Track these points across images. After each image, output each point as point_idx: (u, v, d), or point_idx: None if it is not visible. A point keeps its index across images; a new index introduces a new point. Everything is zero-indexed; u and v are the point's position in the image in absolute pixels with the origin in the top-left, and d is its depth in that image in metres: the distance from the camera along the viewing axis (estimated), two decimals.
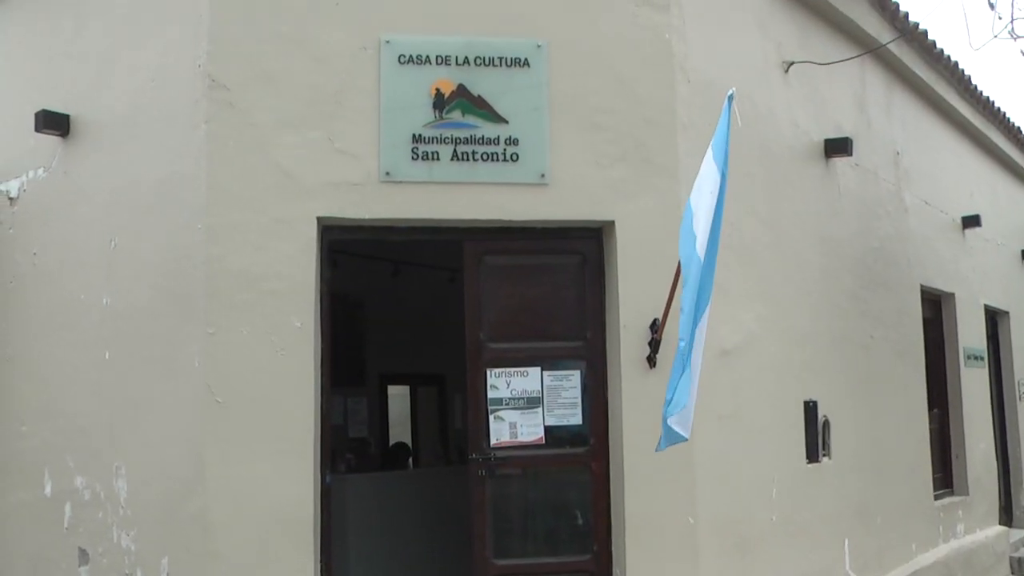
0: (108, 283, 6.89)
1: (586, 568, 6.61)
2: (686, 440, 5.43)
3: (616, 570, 6.56)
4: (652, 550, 6.46)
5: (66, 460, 7.08)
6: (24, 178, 7.71)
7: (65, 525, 7.03)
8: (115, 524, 6.65)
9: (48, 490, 7.20)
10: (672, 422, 5.29)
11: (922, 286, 10.58)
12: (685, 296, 5.35)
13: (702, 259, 5.34)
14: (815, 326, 8.11)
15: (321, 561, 6.22)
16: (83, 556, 6.88)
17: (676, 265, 6.20)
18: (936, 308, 11.49)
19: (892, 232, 9.88)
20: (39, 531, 7.27)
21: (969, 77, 11.47)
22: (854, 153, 8.79)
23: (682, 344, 5.31)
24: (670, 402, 5.28)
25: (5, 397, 7.74)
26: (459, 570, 7.86)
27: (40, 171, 7.56)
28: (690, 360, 5.30)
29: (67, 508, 7.03)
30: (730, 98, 5.67)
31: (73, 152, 7.28)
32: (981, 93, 12.02)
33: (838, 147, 8.64)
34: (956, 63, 11.05)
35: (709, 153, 5.56)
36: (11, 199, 7.82)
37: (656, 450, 5.57)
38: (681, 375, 5.27)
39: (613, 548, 6.59)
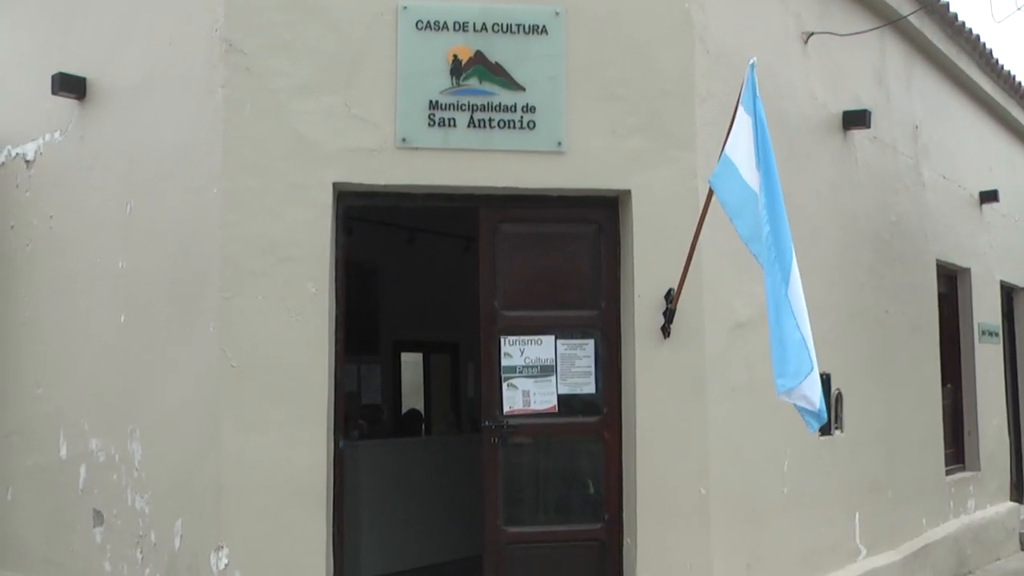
0: (124, 247, 6.92)
1: (597, 536, 6.64)
2: (825, 419, 5.46)
3: (627, 539, 6.58)
4: (663, 520, 6.49)
5: (81, 423, 7.14)
6: (40, 141, 7.74)
7: (80, 487, 7.10)
8: (129, 486, 6.71)
9: (63, 452, 7.27)
10: (796, 398, 5.31)
11: (938, 261, 10.54)
12: (766, 269, 5.40)
13: (764, 229, 5.38)
14: (830, 299, 8.09)
15: (334, 526, 6.25)
16: (98, 517, 6.94)
17: (692, 235, 6.21)
18: (952, 283, 11.45)
19: (909, 206, 9.83)
20: (54, 493, 7.35)
21: (991, 51, 11.37)
22: (872, 126, 8.74)
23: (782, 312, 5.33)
24: (782, 375, 5.30)
25: (21, 360, 7.80)
26: (470, 537, 7.93)
27: (56, 134, 7.58)
28: (789, 326, 5.28)
29: (82, 470, 7.09)
30: (752, 67, 5.67)
31: (89, 115, 7.29)
32: (1003, 67, 11.91)
33: (856, 120, 8.59)
34: (978, 36, 10.96)
35: (744, 124, 5.59)
36: (27, 162, 7.85)
37: (811, 431, 5.59)
38: (787, 343, 5.28)
39: (624, 517, 6.62)
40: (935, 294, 10.44)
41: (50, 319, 7.53)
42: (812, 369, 5.25)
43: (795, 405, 5.39)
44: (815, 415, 5.36)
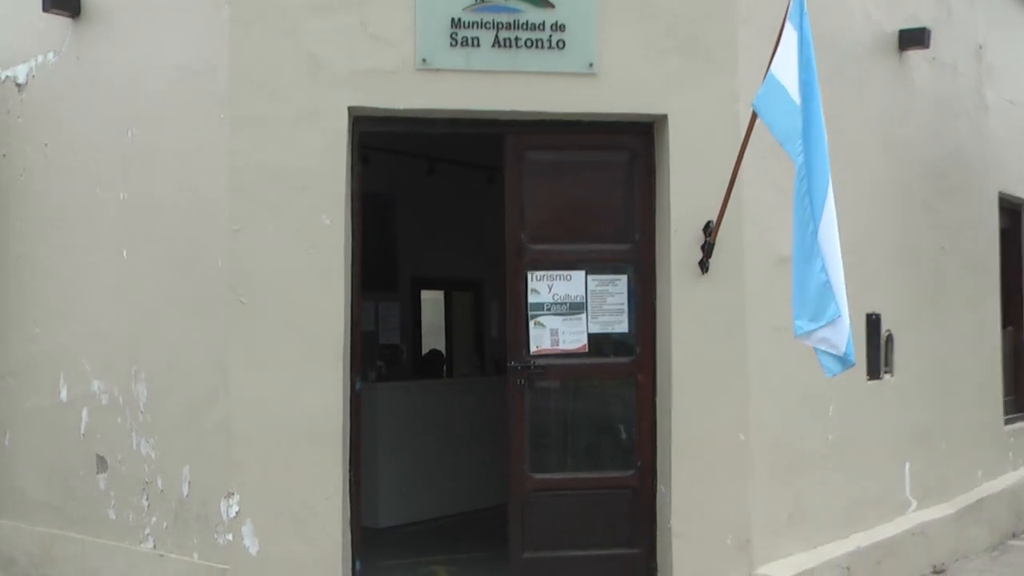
0: (125, 177, 7.01)
1: (629, 484, 6.77)
2: (853, 364, 5.53)
3: (661, 487, 6.70)
4: (700, 467, 6.59)
5: (82, 364, 7.29)
6: (33, 63, 7.79)
7: (82, 431, 7.27)
8: (134, 430, 6.87)
9: (64, 395, 7.43)
10: (816, 341, 5.38)
11: (1000, 194, 10.49)
12: (795, 203, 5.45)
13: (798, 160, 5.43)
14: (881, 235, 8.11)
15: (350, 473, 6.39)
16: (101, 463, 7.11)
17: (733, 164, 6.24)
18: (1015, 218, 11.38)
19: (969, 134, 9.78)
20: (55, 437, 7.52)
21: None
22: (931, 46, 8.67)
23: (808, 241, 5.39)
24: (800, 316, 5.39)
25: (17, 298, 7.94)
26: (494, 484, 8.06)
27: (50, 55, 7.64)
28: (815, 267, 5.35)
29: (84, 413, 7.26)
30: None
31: (85, 35, 7.34)
32: None
33: (914, 39, 8.51)
34: None
35: (791, 41, 5.60)
36: (19, 85, 7.91)
37: (828, 375, 5.64)
38: (810, 284, 5.34)
39: (658, 464, 6.74)
40: (996, 230, 10.41)
41: (47, 254, 7.65)
42: (838, 315, 5.32)
43: (815, 348, 5.47)
44: (839, 360, 5.43)
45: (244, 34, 6.27)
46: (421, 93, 6.38)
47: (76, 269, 7.40)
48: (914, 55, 8.69)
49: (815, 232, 5.37)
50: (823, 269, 5.35)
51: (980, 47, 10.04)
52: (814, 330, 5.40)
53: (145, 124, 6.88)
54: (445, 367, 11.47)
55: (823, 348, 5.45)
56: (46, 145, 7.67)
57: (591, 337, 6.72)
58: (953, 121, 9.44)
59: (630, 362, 6.80)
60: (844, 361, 5.44)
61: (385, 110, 6.40)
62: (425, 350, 11.78)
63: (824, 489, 7.37)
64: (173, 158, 6.68)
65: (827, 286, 5.33)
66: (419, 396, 9.53)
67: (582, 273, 6.72)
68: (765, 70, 5.88)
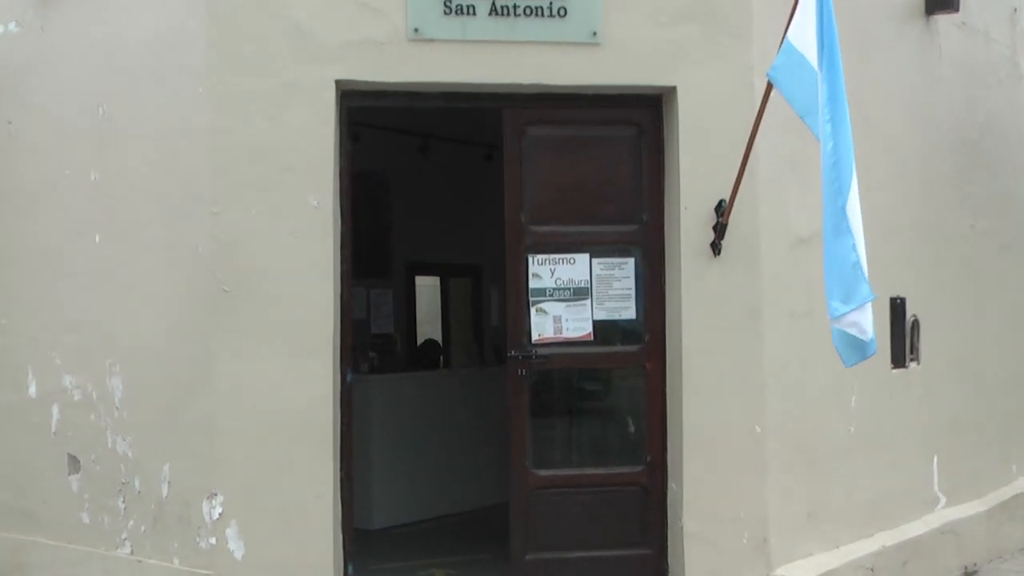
0: (97, 157, 7.04)
1: (638, 480, 6.82)
2: (874, 352, 5.55)
3: (672, 483, 6.76)
4: (713, 462, 6.63)
5: (52, 357, 7.32)
6: None
7: (52, 429, 7.31)
8: (109, 428, 6.91)
9: (33, 391, 7.46)
10: (847, 325, 5.42)
11: None
12: (823, 176, 5.49)
13: (825, 129, 5.45)
14: (905, 213, 8.12)
15: (341, 469, 6.44)
16: (73, 463, 7.15)
17: (747, 139, 6.26)
18: None
19: (1003, 104, 9.78)
20: (23, 436, 7.55)
21: None
22: (961, 10, 8.66)
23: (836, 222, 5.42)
24: (834, 297, 5.42)
25: None
26: (495, 481, 8.10)
27: (11, 25, 7.65)
28: (846, 246, 5.39)
29: (54, 410, 7.30)
30: None
31: (50, 3, 7.35)
32: None
33: (942, 2, 8.47)
34: None
35: (810, 5, 5.61)
36: None
37: (847, 365, 5.66)
38: (843, 264, 5.39)
39: (669, 459, 6.79)
40: None
41: (13, 239, 7.66)
42: (873, 298, 5.37)
43: (834, 333, 5.50)
44: (861, 347, 5.47)
45: (223, 1, 6.29)
46: (413, 65, 6.41)
47: (45, 256, 7.41)
48: (942, 20, 8.68)
49: (843, 208, 5.40)
50: (853, 248, 5.38)
51: (1015, 11, 10.03)
52: (846, 313, 5.43)
53: (117, 100, 6.91)
54: (441, 357, 11.51)
55: (853, 332, 5.47)
56: (9, 123, 7.68)
57: (596, 324, 6.76)
58: (984, 91, 9.44)
59: (638, 350, 6.85)
60: (866, 349, 5.48)
61: (375, 84, 6.43)
62: (420, 339, 11.81)
63: (846, 485, 7.40)
64: (148, 136, 6.71)
65: (857, 266, 5.36)
66: (414, 388, 9.57)
67: (586, 256, 6.76)
68: (782, 37, 5.91)
